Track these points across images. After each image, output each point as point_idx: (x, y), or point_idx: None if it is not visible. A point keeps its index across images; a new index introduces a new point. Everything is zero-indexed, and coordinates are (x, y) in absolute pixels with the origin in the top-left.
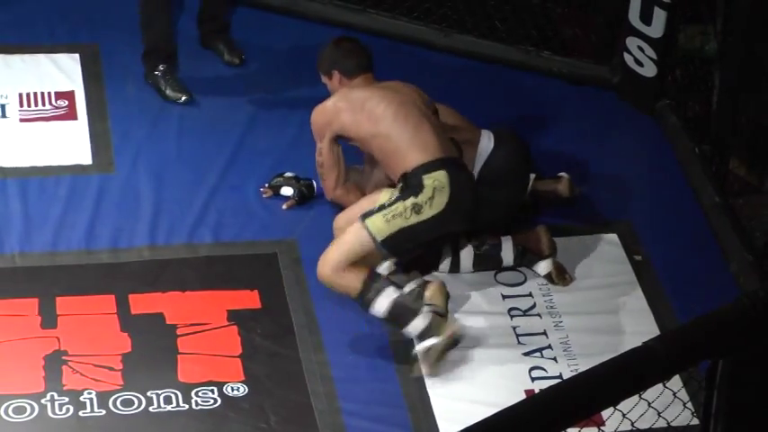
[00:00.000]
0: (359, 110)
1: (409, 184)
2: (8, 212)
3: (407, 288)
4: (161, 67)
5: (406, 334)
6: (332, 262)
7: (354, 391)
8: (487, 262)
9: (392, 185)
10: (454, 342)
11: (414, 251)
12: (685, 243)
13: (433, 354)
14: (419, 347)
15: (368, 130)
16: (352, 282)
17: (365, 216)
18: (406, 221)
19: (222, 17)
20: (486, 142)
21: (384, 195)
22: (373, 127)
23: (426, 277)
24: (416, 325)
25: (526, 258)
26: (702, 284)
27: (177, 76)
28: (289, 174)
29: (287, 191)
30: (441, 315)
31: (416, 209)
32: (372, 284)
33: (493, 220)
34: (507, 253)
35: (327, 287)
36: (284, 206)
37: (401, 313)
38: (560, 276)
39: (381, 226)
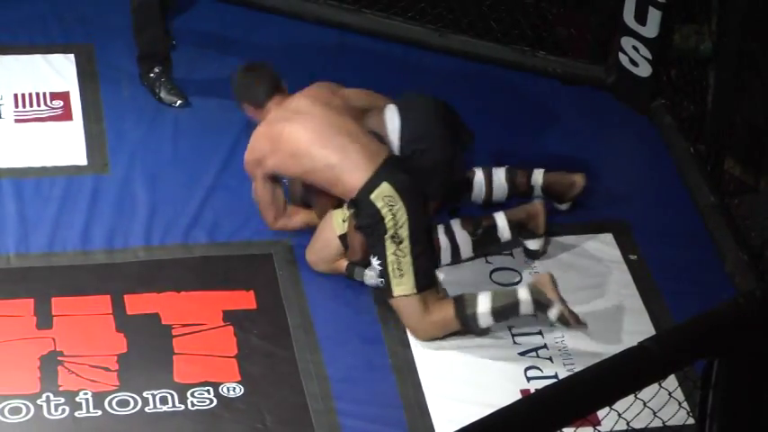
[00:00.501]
0: (279, 150)
1: (360, 209)
2: (3, 213)
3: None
4: (156, 70)
5: (527, 316)
6: (422, 331)
7: (350, 391)
8: (487, 244)
9: (339, 203)
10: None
11: (434, 261)
12: (681, 243)
13: (566, 313)
14: (553, 320)
15: (296, 170)
16: (449, 324)
17: (389, 293)
18: (405, 256)
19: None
20: (392, 120)
21: (336, 219)
22: (299, 165)
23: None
24: (526, 307)
25: (522, 233)
26: (698, 284)
27: (172, 79)
28: None
29: None
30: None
31: (397, 240)
32: (465, 311)
33: (440, 185)
34: (504, 231)
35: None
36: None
37: (505, 310)
38: (539, 256)
39: (404, 284)
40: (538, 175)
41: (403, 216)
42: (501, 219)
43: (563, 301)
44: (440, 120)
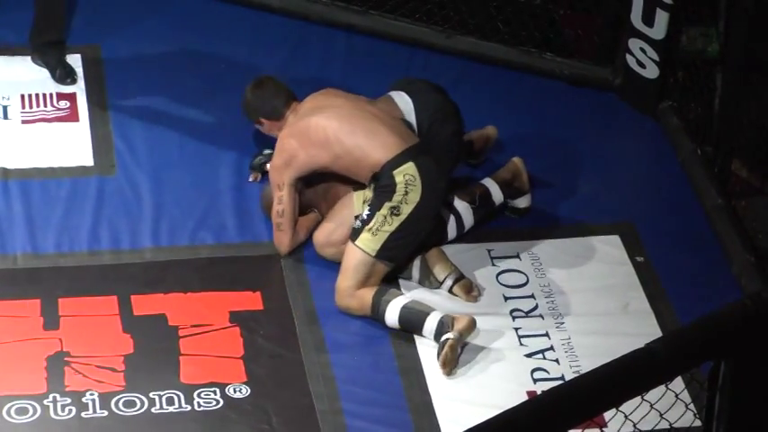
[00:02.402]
0: (308, 143)
1: (380, 182)
2: (10, 214)
3: (416, 273)
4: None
5: (427, 336)
6: (343, 290)
7: (356, 392)
8: (484, 212)
9: (358, 186)
10: (467, 332)
11: (411, 249)
12: (687, 245)
13: (446, 348)
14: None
15: (326, 158)
16: (365, 301)
17: (354, 237)
18: (391, 227)
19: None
20: (404, 101)
21: (357, 200)
22: (330, 152)
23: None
24: (428, 333)
25: (510, 193)
26: (704, 286)
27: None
28: (267, 151)
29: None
30: (462, 279)
31: (395, 211)
32: (381, 298)
33: (455, 157)
34: (497, 194)
35: (348, 314)
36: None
37: (411, 319)
38: (528, 212)
39: (371, 241)
40: (490, 184)
41: (415, 197)
42: (492, 184)
43: (457, 338)
44: (444, 95)
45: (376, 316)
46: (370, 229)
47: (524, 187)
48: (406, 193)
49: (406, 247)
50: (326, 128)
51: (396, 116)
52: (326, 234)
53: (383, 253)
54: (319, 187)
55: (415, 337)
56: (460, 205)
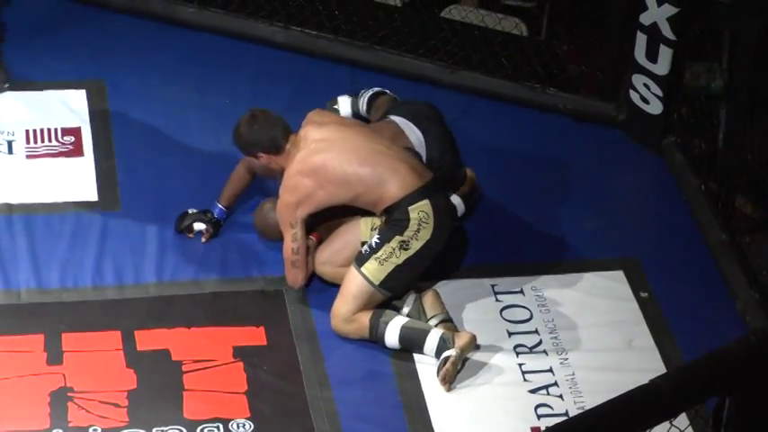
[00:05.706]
0: (326, 182)
1: (393, 215)
2: (14, 249)
3: (406, 308)
4: None
5: (428, 354)
6: (340, 315)
7: (360, 427)
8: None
9: (366, 214)
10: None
11: (412, 282)
12: (691, 280)
13: (447, 364)
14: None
15: (346, 196)
16: (363, 325)
17: (360, 263)
18: (398, 259)
19: None
20: (413, 133)
21: (364, 227)
22: (351, 190)
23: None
24: (429, 350)
25: (469, 202)
26: (708, 322)
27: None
28: (192, 210)
29: (199, 226)
30: (448, 321)
31: (404, 246)
32: (379, 320)
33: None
34: (461, 208)
35: (344, 337)
36: (203, 240)
37: (413, 337)
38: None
39: (377, 270)
40: (454, 199)
41: (426, 235)
42: (456, 200)
43: (459, 354)
44: (440, 121)
45: (374, 338)
46: (378, 258)
47: (476, 196)
48: (418, 230)
49: (408, 281)
50: (345, 166)
51: (406, 146)
52: (330, 254)
53: (386, 283)
54: (321, 214)
55: (418, 371)
56: None
